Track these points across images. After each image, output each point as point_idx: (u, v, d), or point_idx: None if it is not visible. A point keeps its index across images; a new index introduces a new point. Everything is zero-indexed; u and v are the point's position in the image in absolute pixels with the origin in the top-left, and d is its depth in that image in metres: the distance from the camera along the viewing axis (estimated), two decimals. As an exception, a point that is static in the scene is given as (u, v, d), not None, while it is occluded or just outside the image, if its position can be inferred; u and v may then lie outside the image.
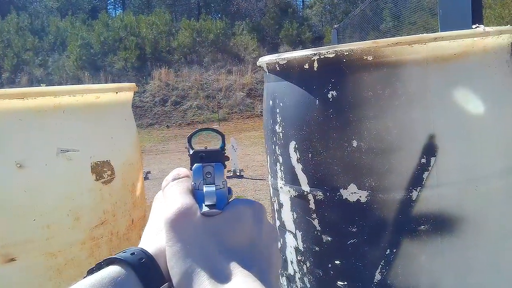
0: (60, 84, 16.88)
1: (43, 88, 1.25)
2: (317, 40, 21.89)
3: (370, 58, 1.10)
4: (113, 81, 16.63)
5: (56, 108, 1.25)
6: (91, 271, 0.47)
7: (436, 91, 1.09)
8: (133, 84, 1.56)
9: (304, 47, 20.39)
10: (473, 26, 1.17)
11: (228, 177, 6.74)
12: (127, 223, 1.42)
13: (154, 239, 0.51)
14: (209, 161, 0.54)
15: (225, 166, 0.55)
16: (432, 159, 1.10)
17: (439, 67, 1.10)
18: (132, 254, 0.48)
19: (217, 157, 0.54)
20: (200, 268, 0.46)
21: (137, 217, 1.48)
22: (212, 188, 0.52)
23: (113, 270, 0.46)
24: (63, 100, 1.26)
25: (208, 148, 0.55)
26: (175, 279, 0.47)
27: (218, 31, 20.05)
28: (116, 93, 1.43)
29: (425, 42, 1.08)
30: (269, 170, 1.43)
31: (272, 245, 0.54)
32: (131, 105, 1.58)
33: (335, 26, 15.66)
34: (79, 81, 17.05)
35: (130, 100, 1.56)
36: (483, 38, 1.13)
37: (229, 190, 0.54)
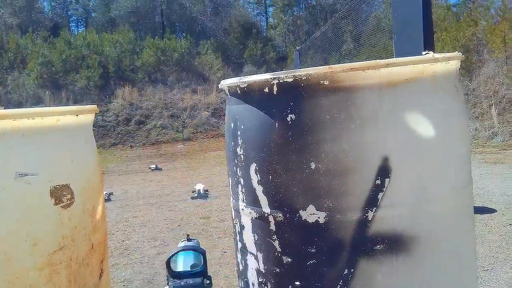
0: (20, 103, 16.46)
1: (1, 111, 1.24)
2: (281, 60, 22.21)
3: (326, 82, 1.15)
4: (75, 100, 16.34)
5: (14, 131, 1.23)
6: None
7: (389, 115, 1.14)
8: (94, 106, 1.55)
9: (268, 67, 20.65)
10: (423, 53, 1.23)
11: (193, 198, 6.68)
12: (87, 248, 1.40)
13: None
14: None
15: None
16: (386, 180, 1.14)
17: (392, 92, 1.15)
18: None
19: None
20: None
21: (97, 242, 1.46)
22: None
23: None
24: (22, 123, 1.25)
25: (188, 282, 0.53)
26: None
27: (183, 50, 20.07)
28: (77, 115, 1.42)
29: (378, 68, 1.13)
30: (231, 192, 1.45)
31: None
32: (93, 125, 1.58)
33: (297, 47, 15.94)
34: (39, 100, 16.67)
35: (91, 122, 1.55)
36: (433, 64, 1.19)
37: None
